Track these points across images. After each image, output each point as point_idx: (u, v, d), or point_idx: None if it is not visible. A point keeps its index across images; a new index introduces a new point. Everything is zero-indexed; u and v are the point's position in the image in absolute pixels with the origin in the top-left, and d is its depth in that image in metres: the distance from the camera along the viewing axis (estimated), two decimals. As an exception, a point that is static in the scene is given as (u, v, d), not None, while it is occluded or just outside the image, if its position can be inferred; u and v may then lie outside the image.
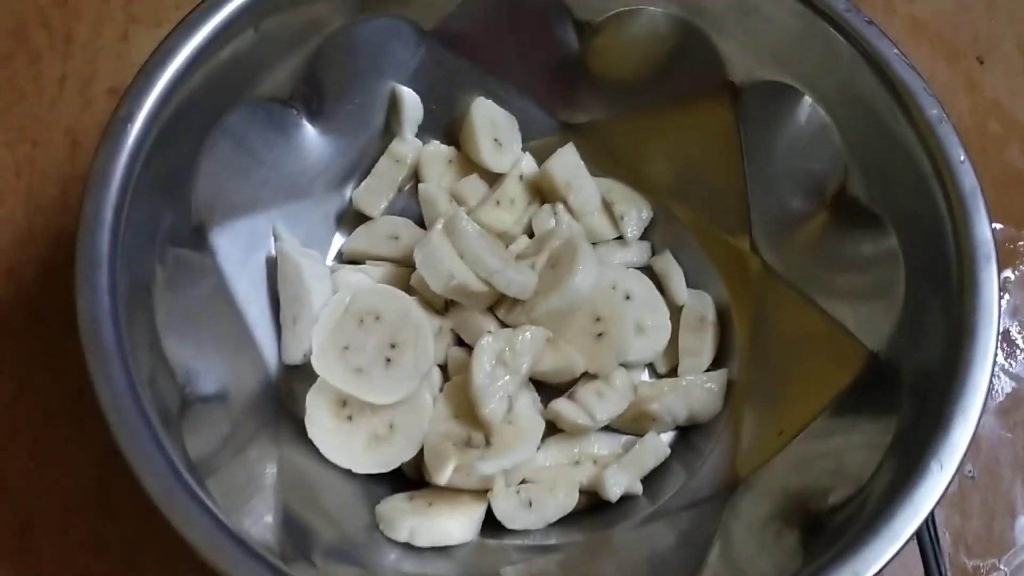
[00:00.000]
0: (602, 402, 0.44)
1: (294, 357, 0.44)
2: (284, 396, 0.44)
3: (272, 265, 0.46)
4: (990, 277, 0.36)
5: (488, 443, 0.42)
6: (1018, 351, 0.48)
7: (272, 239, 0.46)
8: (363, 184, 0.49)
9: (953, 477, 0.34)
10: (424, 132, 0.50)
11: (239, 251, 0.44)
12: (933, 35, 0.54)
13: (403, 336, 0.42)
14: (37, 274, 0.48)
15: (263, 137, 0.45)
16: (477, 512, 0.42)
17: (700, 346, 0.47)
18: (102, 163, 0.37)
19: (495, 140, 0.49)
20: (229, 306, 0.43)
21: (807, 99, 0.44)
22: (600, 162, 0.50)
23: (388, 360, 0.42)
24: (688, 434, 0.46)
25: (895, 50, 0.40)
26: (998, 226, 0.50)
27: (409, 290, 0.45)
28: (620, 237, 0.49)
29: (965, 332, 0.36)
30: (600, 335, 0.44)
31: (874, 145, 0.41)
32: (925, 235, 0.39)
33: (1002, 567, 0.45)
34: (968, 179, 0.38)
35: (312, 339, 0.43)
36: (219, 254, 0.43)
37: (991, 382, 0.35)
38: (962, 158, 0.38)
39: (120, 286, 0.36)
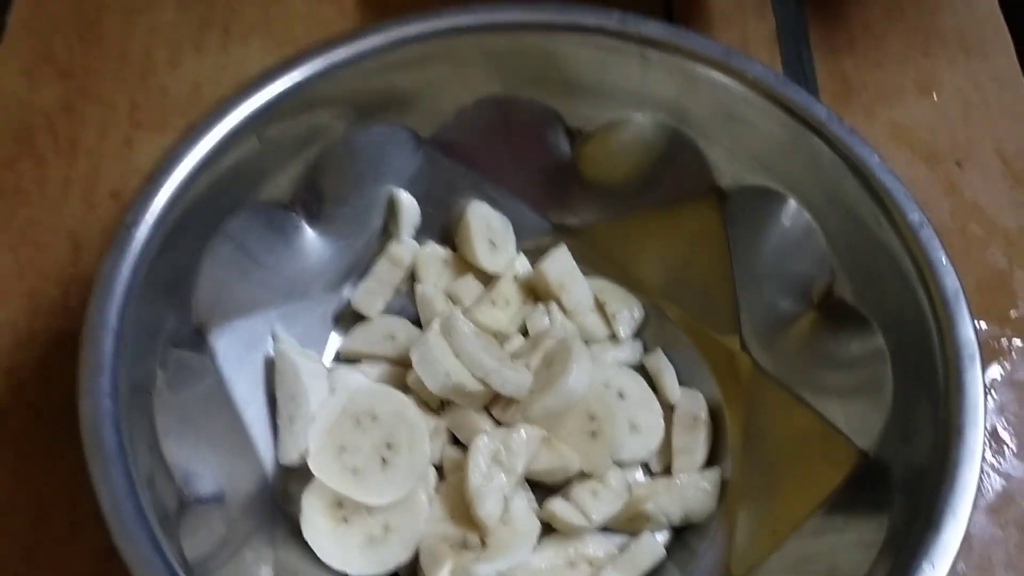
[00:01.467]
0: (597, 502, 0.44)
1: (291, 458, 0.44)
2: (280, 497, 0.44)
3: (270, 365, 0.46)
4: (975, 377, 0.37)
5: (484, 545, 0.42)
6: (1006, 448, 0.48)
7: (270, 339, 0.47)
8: (361, 285, 0.50)
9: (946, 577, 0.34)
10: (421, 234, 0.51)
11: (238, 352, 0.45)
12: (913, 140, 0.56)
13: (399, 437, 0.43)
14: (36, 375, 0.48)
15: (263, 240, 0.46)
16: (473, 614, 0.42)
17: (693, 445, 0.47)
18: (107, 269, 0.38)
19: (490, 242, 0.50)
20: (227, 407, 0.44)
21: (792, 203, 0.45)
22: (592, 262, 0.52)
23: (384, 461, 0.42)
24: (683, 534, 0.46)
25: (877, 157, 0.42)
26: (983, 325, 0.51)
27: (405, 389, 0.46)
28: (613, 336, 0.50)
29: (952, 432, 0.36)
30: (594, 434, 0.45)
31: (859, 248, 0.43)
32: (911, 336, 0.40)
33: (1000, 668, 0.45)
34: (951, 282, 0.39)
35: (309, 440, 0.43)
36: (218, 355, 0.44)
37: (980, 481, 0.35)
38: (944, 261, 0.39)
39: (122, 389, 0.36)
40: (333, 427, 0.43)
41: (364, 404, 0.43)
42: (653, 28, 0.45)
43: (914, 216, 0.40)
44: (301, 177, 0.46)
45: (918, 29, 0.60)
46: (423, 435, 0.43)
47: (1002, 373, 0.50)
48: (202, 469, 0.40)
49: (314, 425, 0.44)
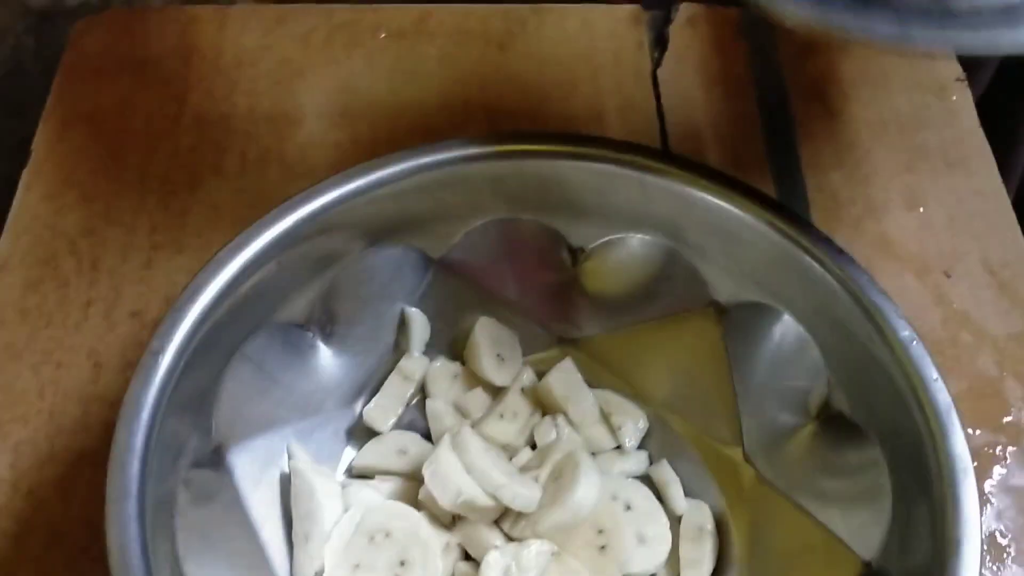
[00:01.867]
0: (607, 615, 0.45)
1: (306, 575, 0.45)
2: (296, 614, 0.45)
3: (286, 482, 0.47)
4: (969, 490, 0.39)
5: None
6: (1006, 555, 0.49)
7: (286, 456, 0.48)
8: (373, 401, 0.51)
9: None
10: (431, 349, 0.53)
11: (255, 469, 0.46)
12: (901, 251, 0.58)
13: (412, 554, 0.44)
14: (56, 495, 0.49)
15: (280, 359, 0.48)
16: None
17: (700, 556, 0.48)
18: (134, 393, 0.39)
19: (498, 356, 0.52)
20: (244, 524, 0.45)
21: (787, 318, 0.47)
22: (596, 374, 0.53)
23: (398, 577, 0.43)
24: (692, 645, 0.47)
25: (867, 276, 0.44)
26: (977, 432, 0.52)
27: (417, 504, 0.47)
28: (618, 447, 0.52)
29: (950, 544, 0.37)
30: (603, 548, 0.46)
31: (853, 362, 0.44)
32: (907, 448, 0.41)
33: None
34: (942, 397, 0.40)
35: (324, 557, 0.44)
36: (236, 473, 0.45)
37: (981, 591, 0.37)
38: (935, 376, 0.41)
39: (147, 512, 0.37)
40: (347, 544, 0.44)
41: (378, 521, 0.45)
42: (649, 154, 0.48)
43: (904, 333, 0.42)
44: (316, 298, 0.48)
45: (903, 146, 0.63)
46: (436, 552, 0.44)
47: (998, 479, 0.52)
48: (221, 586, 0.41)
49: (329, 543, 0.45)
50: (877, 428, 0.43)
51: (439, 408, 0.51)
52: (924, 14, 0.34)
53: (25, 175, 0.61)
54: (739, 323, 0.49)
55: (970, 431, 0.50)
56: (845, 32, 0.35)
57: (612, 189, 0.48)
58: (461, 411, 0.52)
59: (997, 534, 0.50)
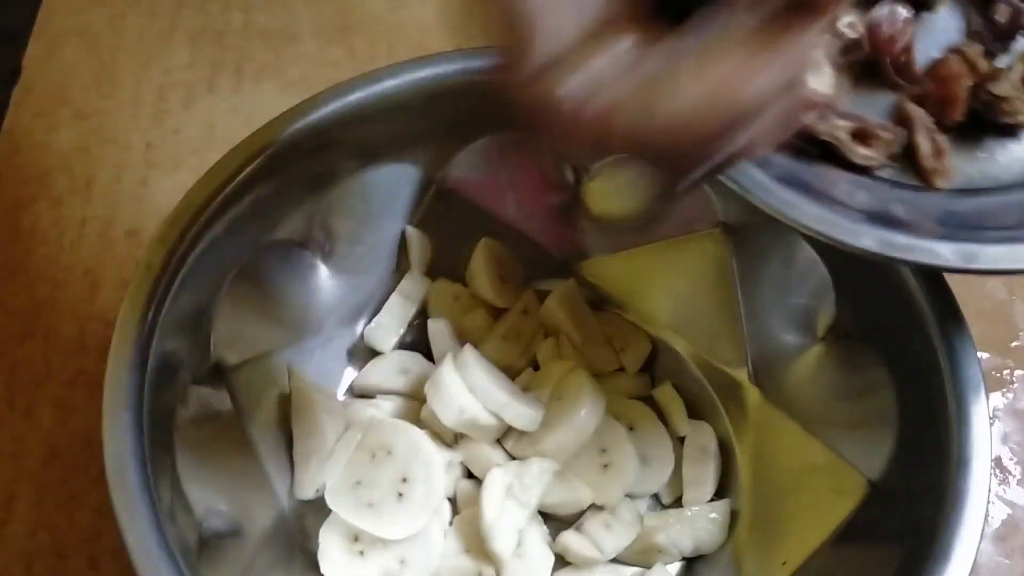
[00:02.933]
0: (609, 534, 0.44)
1: (307, 493, 0.45)
2: (297, 532, 0.45)
3: (286, 401, 0.47)
4: (980, 410, 0.38)
5: None
6: (1011, 477, 0.49)
7: (287, 376, 0.47)
8: (374, 320, 0.51)
9: (956, 607, 0.35)
10: (432, 270, 0.52)
11: (255, 388, 0.46)
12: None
13: (414, 471, 0.43)
14: (54, 413, 0.49)
15: (279, 278, 0.47)
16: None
17: (703, 477, 0.48)
18: (128, 308, 0.39)
19: (500, 277, 0.51)
20: (245, 443, 0.44)
21: (796, 237, 0.46)
22: (600, 297, 0.52)
23: (400, 495, 0.43)
24: (693, 565, 0.47)
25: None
26: (985, 355, 0.52)
27: (419, 423, 0.47)
28: (621, 368, 0.51)
29: (960, 463, 0.37)
30: (606, 467, 0.45)
31: (863, 282, 0.44)
32: (915, 369, 0.41)
33: None
34: (955, 316, 0.40)
35: (326, 474, 0.44)
36: (236, 391, 0.45)
37: (986, 510, 0.36)
38: (948, 296, 0.40)
39: (144, 426, 0.37)
40: (349, 462, 0.44)
41: (380, 439, 0.44)
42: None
43: (916, 252, 0.41)
44: (315, 216, 0.47)
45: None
46: (438, 469, 0.43)
47: (1005, 402, 0.51)
48: (221, 505, 0.41)
49: (331, 460, 0.44)
50: (885, 349, 0.43)
51: (441, 328, 0.50)
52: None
53: (16, 93, 0.59)
54: (746, 243, 0.48)
55: (979, 355, 0.50)
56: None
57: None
58: (462, 332, 0.51)
59: (1004, 457, 0.49)
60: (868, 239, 0.35)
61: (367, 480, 0.43)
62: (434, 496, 0.43)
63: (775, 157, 0.38)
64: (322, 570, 0.43)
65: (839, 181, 0.39)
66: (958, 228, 0.37)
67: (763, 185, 0.37)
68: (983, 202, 0.40)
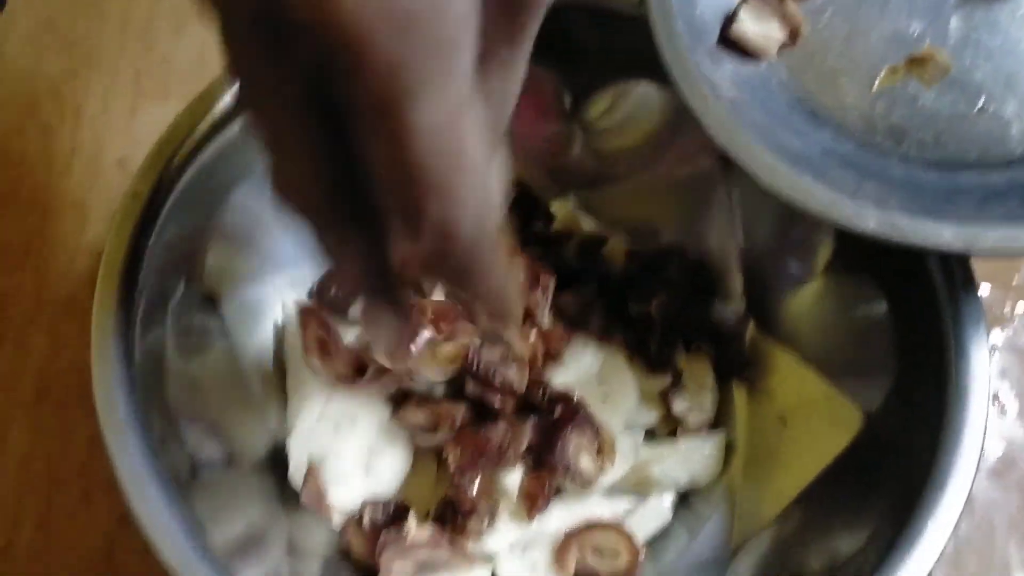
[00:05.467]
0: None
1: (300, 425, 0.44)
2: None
3: (280, 333, 0.46)
4: (980, 341, 0.38)
5: (492, 519, 0.43)
6: (1008, 412, 0.49)
7: (280, 307, 0.47)
8: (369, 252, 0.50)
9: (949, 538, 0.35)
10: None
11: (248, 320, 0.45)
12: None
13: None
14: (45, 343, 0.49)
15: (271, 207, 0.46)
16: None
17: (699, 409, 0.47)
18: (115, 237, 0.38)
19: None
20: (237, 374, 0.44)
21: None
22: (598, 225, 0.52)
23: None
24: (689, 497, 0.47)
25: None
26: (986, 289, 0.51)
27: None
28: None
29: (958, 395, 0.37)
30: (605, 399, 0.45)
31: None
32: (915, 301, 0.40)
33: (999, 627, 0.45)
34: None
35: (318, 406, 0.44)
36: (228, 323, 0.44)
37: (982, 444, 0.36)
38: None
39: (133, 355, 0.36)
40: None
41: (374, 370, 0.44)
42: None
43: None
44: (308, 144, 0.46)
45: None
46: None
47: (1005, 337, 0.51)
48: (212, 434, 0.41)
49: (323, 392, 0.44)
50: (885, 282, 0.42)
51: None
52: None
53: (1, 21, 0.58)
54: (746, 175, 0.47)
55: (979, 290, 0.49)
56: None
57: (619, 35, 0.46)
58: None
59: (1001, 392, 0.49)
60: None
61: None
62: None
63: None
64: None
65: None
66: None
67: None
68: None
